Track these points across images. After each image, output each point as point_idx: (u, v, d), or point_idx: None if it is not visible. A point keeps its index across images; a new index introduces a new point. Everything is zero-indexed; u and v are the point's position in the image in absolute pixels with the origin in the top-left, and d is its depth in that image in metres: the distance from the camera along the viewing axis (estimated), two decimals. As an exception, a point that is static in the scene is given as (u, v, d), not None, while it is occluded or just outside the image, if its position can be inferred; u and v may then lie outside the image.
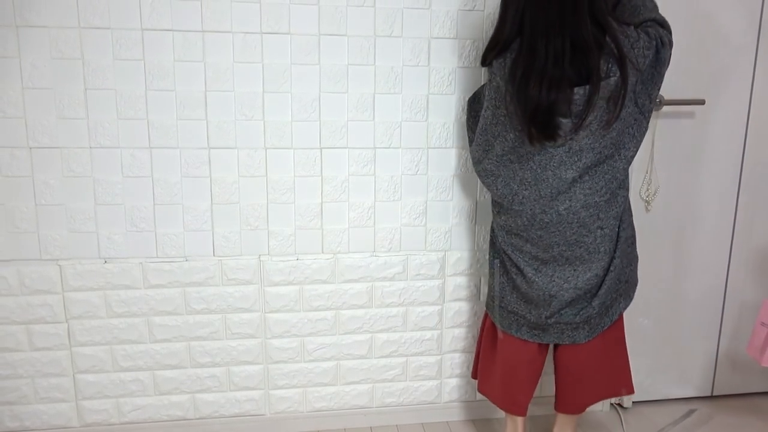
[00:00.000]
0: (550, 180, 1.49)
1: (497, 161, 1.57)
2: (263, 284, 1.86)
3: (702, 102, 1.92)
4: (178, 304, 1.83)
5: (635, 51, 1.43)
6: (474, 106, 1.73)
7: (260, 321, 1.88)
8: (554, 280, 1.57)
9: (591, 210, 1.51)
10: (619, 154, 1.51)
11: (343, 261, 1.89)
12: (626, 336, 1.76)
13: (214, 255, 1.82)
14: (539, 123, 1.42)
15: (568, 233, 1.52)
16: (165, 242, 1.80)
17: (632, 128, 1.50)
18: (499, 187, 1.58)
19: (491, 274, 1.72)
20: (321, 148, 1.80)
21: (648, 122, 1.52)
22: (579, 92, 1.40)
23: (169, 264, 1.81)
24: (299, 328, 1.91)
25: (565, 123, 1.42)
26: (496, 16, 1.54)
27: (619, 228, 1.58)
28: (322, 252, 1.87)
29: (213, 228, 1.81)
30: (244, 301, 1.86)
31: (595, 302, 1.59)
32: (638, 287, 1.72)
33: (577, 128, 1.43)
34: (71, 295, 1.78)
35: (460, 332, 2.00)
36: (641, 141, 1.53)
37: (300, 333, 1.91)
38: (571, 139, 1.45)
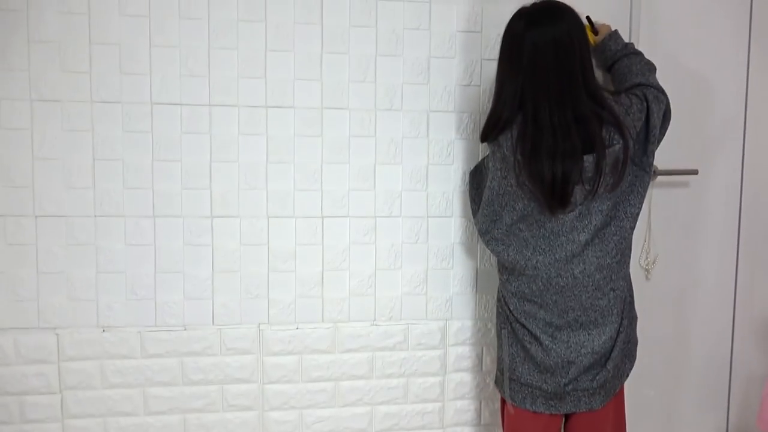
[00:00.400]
0: (564, 244, 1.52)
1: (507, 230, 1.59)
2: (262, 354, 1.84)
3: (695, 172, 1.97)
4: (175, 374, 1.80)
5: (630, 116, 1.49)
6: (476, 177, 1.76)
7: (258, 392, 1.84)
8: (571, 346, 1.55)
9: (604, 272, 1.53)
10: (625, 213, 1.54)
11: (343, 330, 1.87)
12: (630, 409, 1.73)
13: (213, 324, 1.81)
14: (558, 195, 1.46)
15: (583, 297, 1.53)
16: (164, 311, 1.79)
17: (635, 185, 1.56)
18: (511, 254, 1.59)
19: (500, 346, 1.69)
20: (323, 217, 1.83)
21: (649, 177, 1.57)
22: (588, 159, 1.45)
23: (167, 333, 1.79)
24: (298, 400, 1.86)
25: (578, 190, 1.47)
26: (493, 91, 1.61)
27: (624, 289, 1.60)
28: (323, 321, 1.86)
29: (213, 296, 1.80)
30: (242, 371, 1.83)
31: (609, 365, 1.57)
32: (640, 357, 1.71)
33: (589, 194, 1.47)
34: (67, 365, 1.76)
35: (463, 405, 1.95)
36: (644, 196, 1.57)
37: (298, 405, 1.86)
38: (581, 204, 1.49)
